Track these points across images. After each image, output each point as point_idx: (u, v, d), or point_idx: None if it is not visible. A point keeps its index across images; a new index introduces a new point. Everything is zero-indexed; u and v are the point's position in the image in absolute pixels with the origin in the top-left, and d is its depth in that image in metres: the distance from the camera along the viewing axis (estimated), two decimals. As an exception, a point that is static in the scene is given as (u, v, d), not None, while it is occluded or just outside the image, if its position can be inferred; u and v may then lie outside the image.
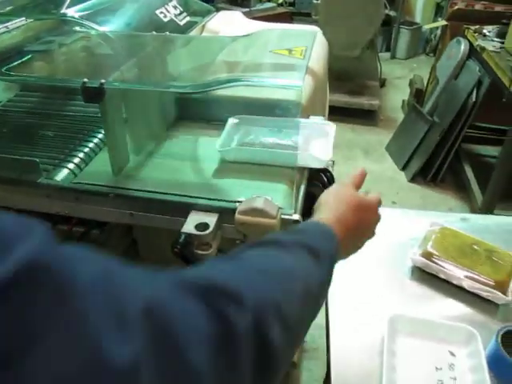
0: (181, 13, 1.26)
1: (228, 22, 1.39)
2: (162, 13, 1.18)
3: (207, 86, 0.71)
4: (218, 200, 0.78)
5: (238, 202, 0.75)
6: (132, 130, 0.79)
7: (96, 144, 0.97)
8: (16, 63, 1.06)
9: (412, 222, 1.16)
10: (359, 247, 0.68)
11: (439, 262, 0.98)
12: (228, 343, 0.35)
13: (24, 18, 1.03)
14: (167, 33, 0.99)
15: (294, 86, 0.65)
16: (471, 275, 0.95)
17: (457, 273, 0.96)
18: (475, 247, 1.02)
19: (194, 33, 1.28)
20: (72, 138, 1.00)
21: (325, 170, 1.01)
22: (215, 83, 0.71)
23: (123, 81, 0.75)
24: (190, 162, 0.89)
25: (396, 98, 4.11)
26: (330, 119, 1.15)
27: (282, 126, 0.97)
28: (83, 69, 0.97)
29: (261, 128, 0.97)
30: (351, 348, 0.83)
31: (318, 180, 0.97)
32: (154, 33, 0.95)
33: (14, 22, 1.01)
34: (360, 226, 0.65)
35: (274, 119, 0.94)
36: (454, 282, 0.96)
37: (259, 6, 3.39)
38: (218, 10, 1.55)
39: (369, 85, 3.79)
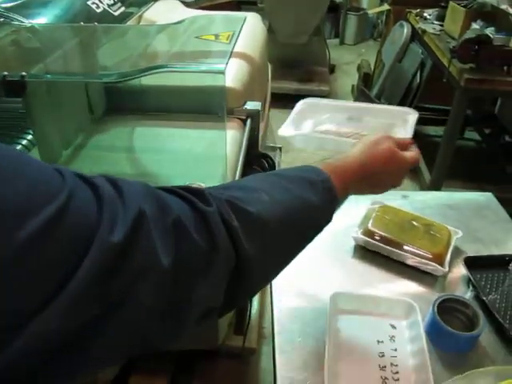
0: (115, 3, 1.23)
1: (165, 12, 1.37)
2: (94, 3, 1.15)
3: (130, 75, 0.70)
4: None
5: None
6: (58, 124, 0.77)
7: (29, 141, 0.94)
8: None
9: (354, 201, 1.19)
10: (376, 192, 0.76)
11: (379, 239, 1.01)
12: (203, 223, 0.43)
13: None
14: (95, 23, 0.97)
15: (216, 69, 0.65)
16: (411, 249, 0.98)
17: (397, 248, 0.99)
18: (414, 223, 1.05)
19: (130, 23, 1.25)
20: (3, 135, 0.97)
21: (266, 156, 1.02)
22: (138, 71, 0.70)
23: (47, 73, 0.73)
24: (124, 153, 0.88)
25: (346, 83, 4.17)
26: (280, 106, 1.16)
27: (359, 112, 1.01)
28: (9, 63, 0.94)
29: (334, 114, 0.98)
30: (295, 328, 0.84)
31: (258, 165, 0.97)
32: (82, 23, 0.92)
33: None
34: (383, 176, 0.70)
35: (352, 105, 0.99)
36: (395, 257, 0.99)
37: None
38: None
39: (318, 71, 3.82)
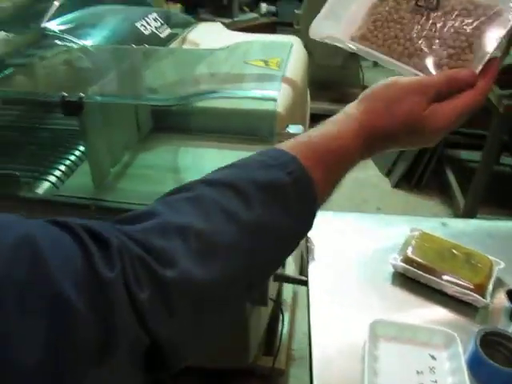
0: (161, 25, 1.27)
1: (208, 34, 1.41)
2: (142, 25, 1.19)
3: (185, 99, 0.72)
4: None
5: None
6: (109, 142, 0.80)
7: (77, 156, 0.98)
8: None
9: (393, 227, 1.18)
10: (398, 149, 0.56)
11: (419, 267, 0.99)
12: (98, 295, 0.31)
13: (4, 33, 1.03)
14: (145, 45, 1.00)
15: (269, 96, 0.66)
16: (451, 279, 0.97)
17: (436, 277, 0.97)
18: (454, 251, 1.03)
19: (174, 45, 1.29)
20: (53, 150, 1.00)
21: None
22: (192, 96, 0.72)
23: (102, 94, 0.76)
24: (170, 173, 0.90)
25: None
26: (312, 127, 1.16)
27: None
28: (64, 82, 0.98)
29: None
30: (333, 354, 0.84)
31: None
32: (133, 46, 0.96)
33: (-6, 36, 1.02)
34: (406, 143, 0.52)
35: None
36: (434, 286, 0.98)
37: (242, 17, 3.42)
38: (198, 21, 1.57)
39: (351, 92, 3.83)
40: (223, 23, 3.34)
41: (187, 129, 0.99)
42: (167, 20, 1.35)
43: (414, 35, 0.58)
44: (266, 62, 0.81)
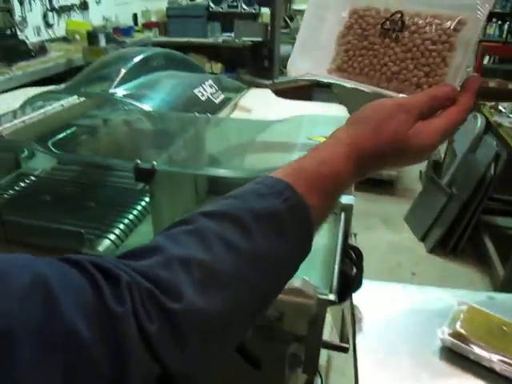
0: (216, 91, 1.34)
1: (259, 100, 1.48)
2: (200, 92, 1.27)
3: (262, 172, 0.75)
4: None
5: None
6: (172, 205, 0.84)
7: (135, 216, 1.02)
8: (61, 136, 1.14)
9: (439, 299, 1.17)
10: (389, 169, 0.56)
11: (468, 343, 0.98)
12: (109, 331, 0.32)
13: (76, 96, 1.12)
14: (208, 114, 1.06)
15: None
16: (502, 358, 0.95)
17: (487, 355, 0.95)
18: (504, 328, 1.02)
19: (227, 110, 1.36)
20: (112, 208, 1.05)
21: (353, 247, 1.04)
22: (265, 170, 0.76)
23: (172, 162, 0.81)
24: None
25: (413, 168, 4.17)
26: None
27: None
28: (128, 146, 1.04)
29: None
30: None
31: (346, 256, 0.99)
32: (196, 113, 1.02)
33: (67, 99, 1.10)
34: (396, 163, 0.52)
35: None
36: (485, 363, 0.96)
37: (281, 79, 3.54)
38: (239, 81, 1.65)
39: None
40: (264, 84, 3.47)
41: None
42: (220, 85, 1.43)
43: (388, 59, 0.58)
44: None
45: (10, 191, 1.10)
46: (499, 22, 5.31)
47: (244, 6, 5.37)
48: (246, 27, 3.44)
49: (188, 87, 1.27)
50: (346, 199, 1.02)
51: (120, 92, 1.12)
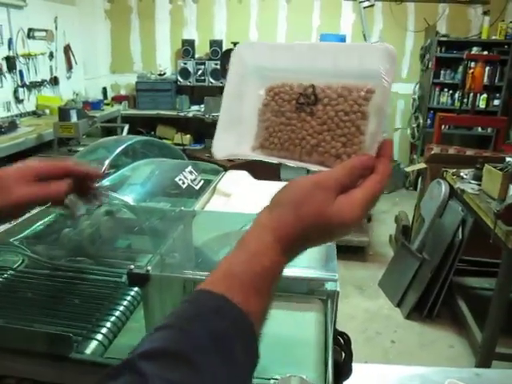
0: (195, 178, 1.37)
1: (236, 183, 1.51)
2: (180, 179, 1.29)
3: None
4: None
5: (274, 379, 0.77)
6: (162, 306, 0.83)
7: (122, 312, 1.00)
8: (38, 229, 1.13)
9: (428, 379, 1.17)
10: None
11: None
12: None
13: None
14: (195, 209, 1.08)
15: (331, 277, 0.71)
16: None
17: None
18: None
19: (207, 195, 1.38)
20: (97, 304, 1.03)
21: (341, 333, 1.04)
22: None
23: (164, 265, 0.82)
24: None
25: (382, 232, 4.27)
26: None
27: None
28: (114, 243, 1.04)
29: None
30: None
31: (335, 343, 0.99)
32: (183, 208, 1.03)
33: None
34: (321, 239, 0.52)
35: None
36: None
37: (251, 151, 3.63)
38: (225, 169, 1.68)
39: (357, 221, 3.94)
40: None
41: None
42: (199, 170, 1.46)
43: (305, 133, 0.59)
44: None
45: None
46: (450, 92, 5.68)
47: (211, 80, 5.57)
48: (216, 103, 3.55)
49: (169, 176, 1.29)
50: (331, 285, 1.03)
51: (102, 184, 1.13)
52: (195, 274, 0.77)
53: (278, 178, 3.55)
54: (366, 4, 5.70)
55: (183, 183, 1.28)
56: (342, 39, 5.71)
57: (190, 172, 1.37)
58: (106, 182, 1.16)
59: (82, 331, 0.94)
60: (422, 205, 3.35)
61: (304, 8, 5.87)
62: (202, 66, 5.52)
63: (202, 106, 4.14)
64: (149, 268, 0.76)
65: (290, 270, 0.80)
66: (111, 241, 1.09)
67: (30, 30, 4.59)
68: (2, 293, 1.09)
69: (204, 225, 1.03)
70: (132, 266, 0.76)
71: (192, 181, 1.34)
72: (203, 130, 5.31)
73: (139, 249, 1.02)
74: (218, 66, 5.43)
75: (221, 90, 4.97)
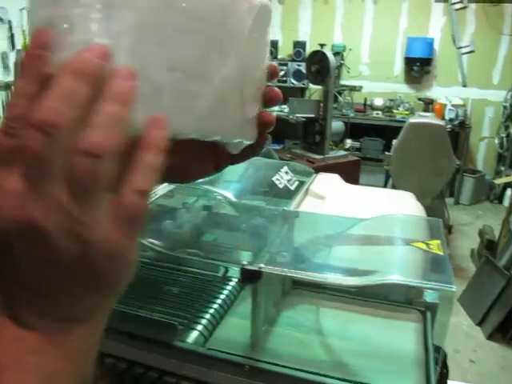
0: (291, 178, 1.38)
1: (329, 186, 1.50)
2: (277, 179, 1.30)
3: (368, 284, 0.77)
4: (351, 382, 0.79)
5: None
6: (266, 302, 0.85)
7: (220, 305, 1.02)
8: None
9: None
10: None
11: None
12: None
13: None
14: (297, 210, 1.08)
15: (448, 289, 0.69)
16: None
17: None
18: None
19: (300, 196, 1.38)
20: (196, 296, 1.06)
21: (437, 347, 1.00)
22: (370, 281, 0.77)
23: (276, 264, 0.83)
24: (314, 336, 0.92)
25: (464, 245, 4.07)
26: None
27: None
28: (221, 239, 1.06)
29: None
30: None
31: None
32: (285, 208, 1.05)
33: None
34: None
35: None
36: None
37: (332, 154, 3.60)
38: (289, 154, 1.67)
39: (437, 232, 3.80)
40: (315, 159, 3.53)
41: (325, 286, 1.02)
42: (293, 171, 1.47)
43: None
44: (427, 245, 0.85)
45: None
46: None
47: (293, 81, 5.59)
48: (300, 104, 3.55)
49: (266, 175, 1.31)
50: (430, 297, 1.00)
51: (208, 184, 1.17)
52: (299, 273, 0.78)
53: (356, 182, 3.51)
54: (459, 6, 5.48)
55: (280, 183, 1.30)
56: (430, 43, 5.52)
57: (286, 172, 1.38)
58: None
59: (183, 320, 0.97)
60: (511, 220, 3.17)
61: (391, 10, 5.73)
62: (285, 67, 5.54)
63: (283, 106, 4.15)
64: (262, 265, 0.77)
65: (399, 278, 0.79)
66: (210, 235, 1.12)
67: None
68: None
69: (303, 225, 1.03)
70: (245, 263, 0.78)
71: (288, 181, 1.35)
72: (283, 130, 5.33)
73: (238, 245, 1.04)
74: (301, 68, 5.44)
75: (302, 90, 4.97)
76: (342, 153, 3.75)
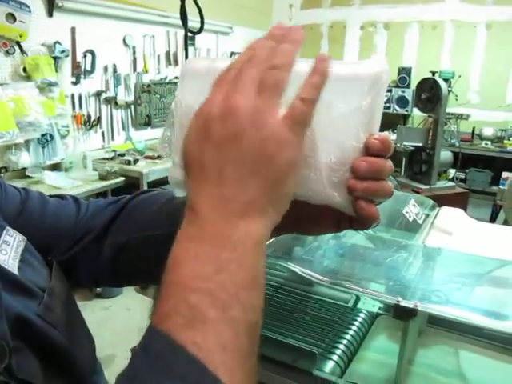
0: (419, 211, 1.35)
1: (454, 222, 1.45)
2: (407, 212, 1.29)
3: None
4: None
5: None
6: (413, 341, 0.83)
7: (353, 337, 1.02)
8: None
9: None
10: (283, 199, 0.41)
11: None
12: None
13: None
14: (439, 247, 1.06)
15: None
16: None
17: None
18: None
19: (426, 231, 1.35)
20: (327, 325, 1.06)
21: None
22: None
23: (432, 302, 0.81)
24: (455, 380, 0.88)
25: None
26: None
27: None
28: (345, 267, 1.06)
29: None
30: None
31: None
32: (426, 244, 1.02)
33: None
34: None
35: None
36: None
37: (439, 184, 3.47)
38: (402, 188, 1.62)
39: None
40: (420, 189, 3.43)
41: (465, 330, 0.97)
42: (419, 204, 1.44)
43: None
44: None
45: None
46: None
47: (396, 107, 5.49)
48: (408, 132, 3.48)
49: (396, 207, 1.29)
50: None
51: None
52: (461, 317, 0.75)
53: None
54: None
55: (409, 216, 1.28)
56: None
57: (414, 205, 1.36)
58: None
59: (317, 349, 0.98)
60: None
61: (506, 36, 5.45)
62: (388, 93, 5.45)
63: (389, 133, 4.09)
64: (418, 303, 0.77)
65: None
66: (343, 265, 1.12)
67: (232, 53, 5.07)
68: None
69: (444, 262, 1.01)
70: (400, 299, 0.77)
71: (416, 214, 1.32)
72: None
73: (372, 277, 1.03)
74: (405, 94, 5.33)
75: (405, 117, 4.85)
76: (450, 184, 3.61)
